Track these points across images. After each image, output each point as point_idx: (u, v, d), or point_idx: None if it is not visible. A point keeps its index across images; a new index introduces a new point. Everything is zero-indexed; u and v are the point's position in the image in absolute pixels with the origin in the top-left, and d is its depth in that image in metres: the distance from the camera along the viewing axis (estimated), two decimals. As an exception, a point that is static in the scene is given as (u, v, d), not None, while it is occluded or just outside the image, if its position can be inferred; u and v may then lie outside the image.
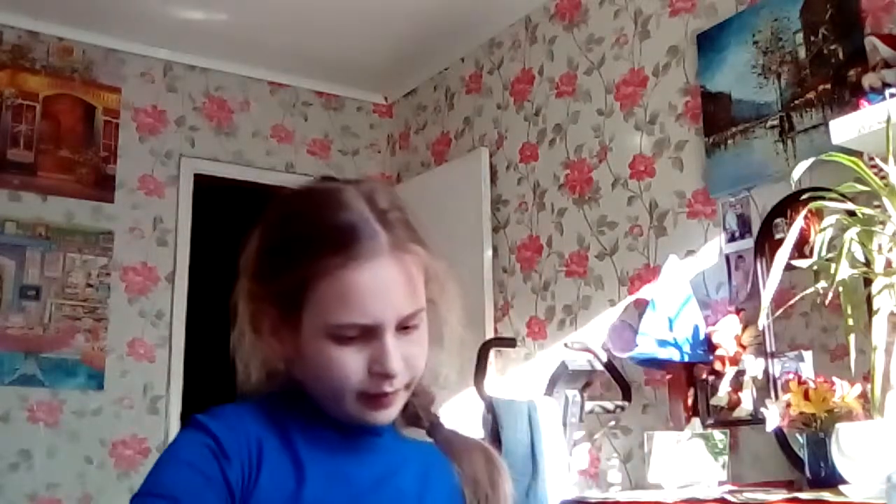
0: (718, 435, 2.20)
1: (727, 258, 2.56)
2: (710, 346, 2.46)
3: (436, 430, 1.02)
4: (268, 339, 0.92)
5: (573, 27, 3.31)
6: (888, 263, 1.69)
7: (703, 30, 2.74)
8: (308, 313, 0.88)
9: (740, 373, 2.41)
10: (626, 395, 2.73)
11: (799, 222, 1.78)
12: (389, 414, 0.91)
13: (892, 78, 2.04)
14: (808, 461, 1.83)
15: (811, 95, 2.37)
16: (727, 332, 2.43)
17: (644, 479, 2.30)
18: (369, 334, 0.87)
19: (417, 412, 1.01)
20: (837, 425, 1.69)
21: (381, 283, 0.87)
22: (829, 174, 2.00)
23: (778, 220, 2.38)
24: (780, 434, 2.18)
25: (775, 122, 2.46)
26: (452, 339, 1.00)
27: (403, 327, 0.89)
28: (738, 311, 2.46)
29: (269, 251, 0.92)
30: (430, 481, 0.96)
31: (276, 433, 0.88)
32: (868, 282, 1.74)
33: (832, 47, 2.34)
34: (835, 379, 1.80)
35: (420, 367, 0.92)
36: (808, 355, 2.26)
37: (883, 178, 1.72)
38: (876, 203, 1.75)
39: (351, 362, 0.87)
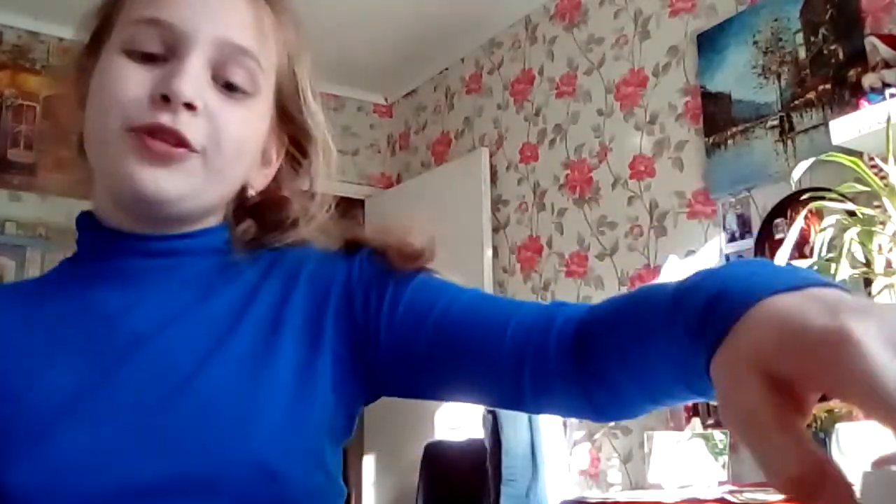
0: (718, 435, 2.20)
1: (727, 258, 2.56)
2: (710, 346, 2.46)
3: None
4: (75, 111, 0.72)
5: (573, 27, 3.31)
6: (888, 263, 1.69)
7: (703, 30, 2.74)
8: (114, 31, 0.69)
9: (740, 373, 2.41)
10: (626, 396, 2.73)
11: (799, 222, 1.79)
12: (165, 176, 0.65)
13: (892, 78, 2.04)
14: (808, 461, 1.83)
15: (811, 95, 2.37)
16: (727, 333, 2.42)
17: (644, 479, 2.30)
18: (172, 52, 0.66)
19: (274, 224, 0.77)
20: (837, 425, 1.69)
21: None
22: (829, 174, 2.00)
23: (778, 220, 2.38)
24: (780, 434, 2.18)
25: (775, 123, 2.46)
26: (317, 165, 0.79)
27: (227, 84, 0.68)
28: (738, 312, 2.46)
29: None
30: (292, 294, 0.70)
31: (26, 302, 0.71)
32: (868, 282, 1.74)
33: (832, 47, 2.34)
34: (835, 379, 1.80)
35: (232, 137, 0.68)
36: (808, 355, 2.26)
37: (883, 178, 1.72)
38: (876, 203, 1.75)
39: (132, 77, 0.66)
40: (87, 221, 0.74)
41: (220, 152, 0.67)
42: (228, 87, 0.68)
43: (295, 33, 0.75)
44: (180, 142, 0.65)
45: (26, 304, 0.71)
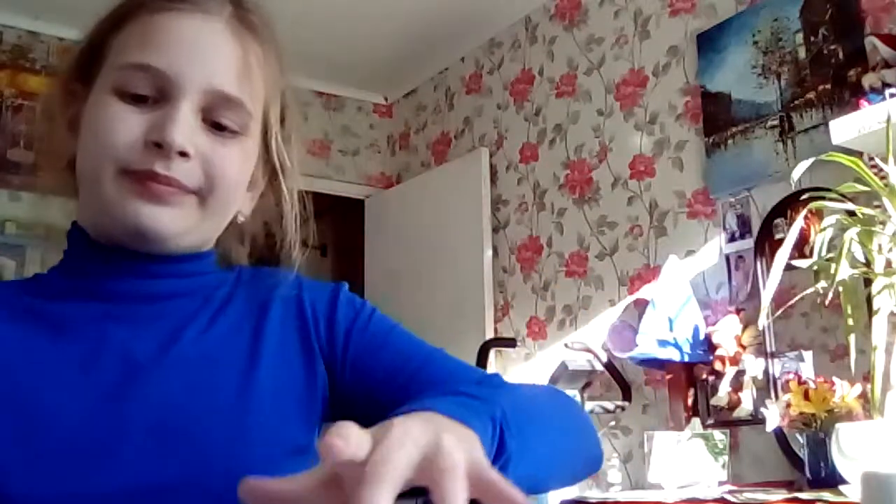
0: (718, 435, 2.19)
1: (727, 258, 2.56)
2: (710, 346, 2.46)
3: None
4: (64, 134, 0.74)
5: (573, 27, 3.31)
6: (888, 263, 1.69)
7: (703, 30, 2.74)
8: (104, 68, 0.71)
9: (740, 373, 2.41)
10: (626, 395, 2.73)
11: (799, 222, 1.78)
12: (164, 213, 0.68)
13: (892, 78, 2.04)
14: (808, 461, 1.83)
15: (811, 95, 2.37)
16: (727, 332, 2.43)
17: (644, 479, 2.30)
18: (163, 97, 0.68)
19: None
20: (837, 425, 1.69)
21: (201, 40, 0.70)
22: (829, 174, 2.00)
23: (778, 220, 2.38)
24: (780, 434, 2.19)
25: (775, 122, 2.46)
26: (291, 194, 0.80)
27: (216, 124, 0.70)
28: (738, 311, 2.46)
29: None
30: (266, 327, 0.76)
31: (18, 309, 0.70)
32: (868, 282, 1.74)
33: (832, 47, 2.34)
34: (835, 379, 1.80)
35: (226, 179, 0.71)
36: (808, 355, 2.26)
37: (883, 178, 1.72)
38: (876, 203, 1.75)
39: (125, 119, 0.67)
40: (78, 236, 0.75)
41: (214, 193, 0.71)
42: (218, 127, 0.71)
43: (278, 66, 0.77)
44: (175, 186, 0.68)
45: (24, 313, 0.70)
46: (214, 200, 0.71)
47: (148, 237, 0.69)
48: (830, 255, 1.71)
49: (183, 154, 0.68)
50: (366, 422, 0.77)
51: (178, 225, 0.69)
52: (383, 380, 0.74)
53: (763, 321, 2.10)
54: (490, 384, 0.70)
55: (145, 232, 0.68)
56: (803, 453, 1.87)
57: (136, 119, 0.68)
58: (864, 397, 1.75)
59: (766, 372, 2.34)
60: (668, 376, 2.60)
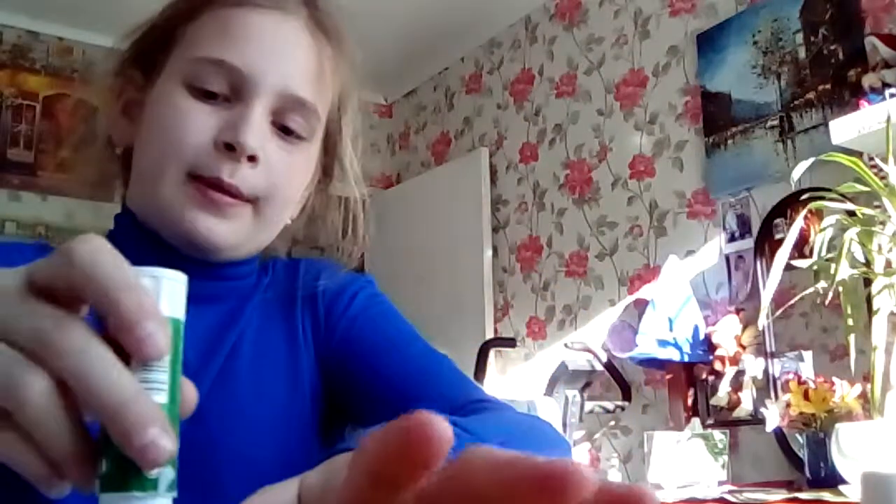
0: (718, 435, 2.20)
1: (727, 258, 2.56)
2: (710, 346, 2.46)
3: None
4: (117, 119, 0.73)
5: (573, 27, 3.31)
6: (888, 263, 1.69)
7: (703, 30, 2.74)
8: (173, 56, 0.69)
9: (740, 373, 2.41)
10: (626, 395, 2.73)
11: (799, 222, 1.78)
12: (220, 226, 0.66)
13: (892, 78, 2.04)
14: (808, 461, 1.83)
15: (811, 95, 2.37)
16: (727, 332, 2.43)
17: (644, 479, 2.30)
18: (236, 95, 0.67)
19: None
20: (837, 425, 1.69)
21: (279, 39, 0.69)
22: (829, 174, 2.00)
23: (778, 220, 2.38)
24: (780, 434, 2.19)
25: (775, 122, 2.46)
26: (355, 201, 0.80)
27: (284, 127, 0.69)
28: (738, 311, 2.46)
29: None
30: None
31: None
32: (868, 282, 1.74)
33: (832, 47, 2.34)
34: (835, 379, 1.80)
35: (287, 189, 0.70)
36: (808, 355, 2.26)
37: (883, 178, 1.72)
38: (876, 203, 1.75)
39: (196, 118, 0.66)
40: (131, 223, 0.71)
41: (272, 202, 0.69)
42: (285, 130, 0.70)
43: (350, 69, 0.77)
44: (235, 195, 0.66)
45: None
46: (270, 210, 0.69)
47: (200, 247, 0.67)
48: (830, 255, 1.71)
49: (252, 159, 0.66)
50: (358, 419, 0.74)
51: (232, 238, 0.68)
52: (367, 382, 0.72)
53: (763, 321, 2.10)
54: (472, 410, 0.66)
55: (198, 242, 0.67)
56: (803, 453, 1.87)
57: (207, 118, 0.66)
58: (863, 397, 1.75)
59: (765, 372, 2.34)
60: (668, 376, 2.60)
